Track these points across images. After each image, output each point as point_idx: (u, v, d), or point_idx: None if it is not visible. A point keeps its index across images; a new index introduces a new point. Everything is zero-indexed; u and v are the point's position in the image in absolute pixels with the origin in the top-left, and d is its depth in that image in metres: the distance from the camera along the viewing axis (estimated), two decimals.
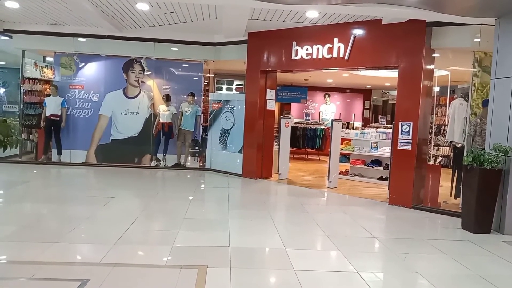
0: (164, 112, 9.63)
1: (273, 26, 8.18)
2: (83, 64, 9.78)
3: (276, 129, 9.77)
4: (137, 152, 9.87)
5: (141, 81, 9.86)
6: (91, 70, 9.86)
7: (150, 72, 9.85)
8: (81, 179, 8.61)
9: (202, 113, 10.11)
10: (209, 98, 10.15)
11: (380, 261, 4.53)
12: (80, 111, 9.79)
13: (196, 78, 10.16)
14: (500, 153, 5.38)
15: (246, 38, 8.88)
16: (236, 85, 13.98)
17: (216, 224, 5.41)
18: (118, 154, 9.75)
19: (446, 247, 4.89)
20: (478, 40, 6.33)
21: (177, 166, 9.85)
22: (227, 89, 14.04)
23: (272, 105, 9.20)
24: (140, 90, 9.87)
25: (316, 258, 4.38)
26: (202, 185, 8.52)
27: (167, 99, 9.67)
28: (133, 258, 4.09)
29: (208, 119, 9.96)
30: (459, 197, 6.74)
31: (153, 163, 9.85)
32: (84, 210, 5.82)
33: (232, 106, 9.48)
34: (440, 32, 6.66)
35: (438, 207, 6.89)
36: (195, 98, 9.81)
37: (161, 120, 9.65)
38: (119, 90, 9.84)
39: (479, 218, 5.51)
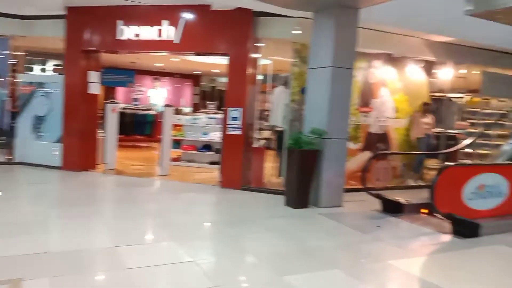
0: None
1: (96, 2, 7.40)
2: None
3: (101, 115, 8.99)
4: None
5: None
6: None
7: None
8: None
9: (9, 97, 8.59)
10: (18, 80, 8.68)
11: (214, 246, 4.56)
12: None
13: (1, 56, 8.55)
14: (316, 136, 5.99)
15: (65, 13, 7.84)
16: (54, 65, 12.37)
17: (31, 227, 4.63)
18: None
19: (273, 224, 5.26)
20: (299, 32, 6.87)
21: None
22: (42, 70, 12.32)
23: (96, 88, 8.38)
24: None
25: (150, 252, 4.13)
26: (12, 182, 7.29)
27: None
28: None
29: (17, 105, 8.53)
30: (282, 176, 7.33)
31: None
32: None
33: (48, 90, 8.31)
34: (265, 23, 7.01)
35: (264, 187, 7.35)
36: None
37: None
38: None
39: (299, 195, 6.07)
